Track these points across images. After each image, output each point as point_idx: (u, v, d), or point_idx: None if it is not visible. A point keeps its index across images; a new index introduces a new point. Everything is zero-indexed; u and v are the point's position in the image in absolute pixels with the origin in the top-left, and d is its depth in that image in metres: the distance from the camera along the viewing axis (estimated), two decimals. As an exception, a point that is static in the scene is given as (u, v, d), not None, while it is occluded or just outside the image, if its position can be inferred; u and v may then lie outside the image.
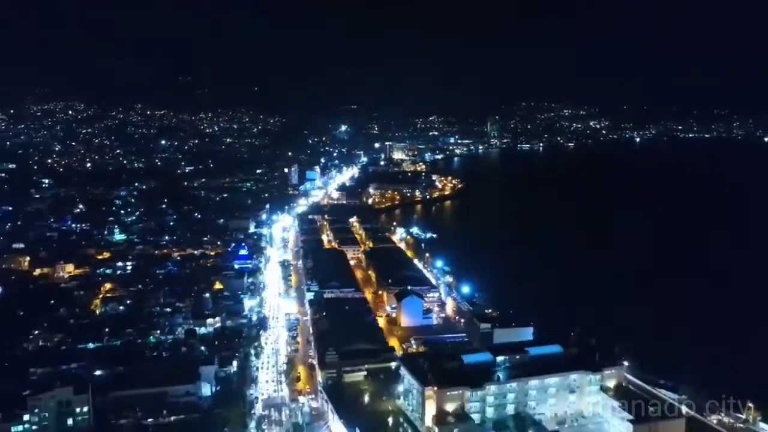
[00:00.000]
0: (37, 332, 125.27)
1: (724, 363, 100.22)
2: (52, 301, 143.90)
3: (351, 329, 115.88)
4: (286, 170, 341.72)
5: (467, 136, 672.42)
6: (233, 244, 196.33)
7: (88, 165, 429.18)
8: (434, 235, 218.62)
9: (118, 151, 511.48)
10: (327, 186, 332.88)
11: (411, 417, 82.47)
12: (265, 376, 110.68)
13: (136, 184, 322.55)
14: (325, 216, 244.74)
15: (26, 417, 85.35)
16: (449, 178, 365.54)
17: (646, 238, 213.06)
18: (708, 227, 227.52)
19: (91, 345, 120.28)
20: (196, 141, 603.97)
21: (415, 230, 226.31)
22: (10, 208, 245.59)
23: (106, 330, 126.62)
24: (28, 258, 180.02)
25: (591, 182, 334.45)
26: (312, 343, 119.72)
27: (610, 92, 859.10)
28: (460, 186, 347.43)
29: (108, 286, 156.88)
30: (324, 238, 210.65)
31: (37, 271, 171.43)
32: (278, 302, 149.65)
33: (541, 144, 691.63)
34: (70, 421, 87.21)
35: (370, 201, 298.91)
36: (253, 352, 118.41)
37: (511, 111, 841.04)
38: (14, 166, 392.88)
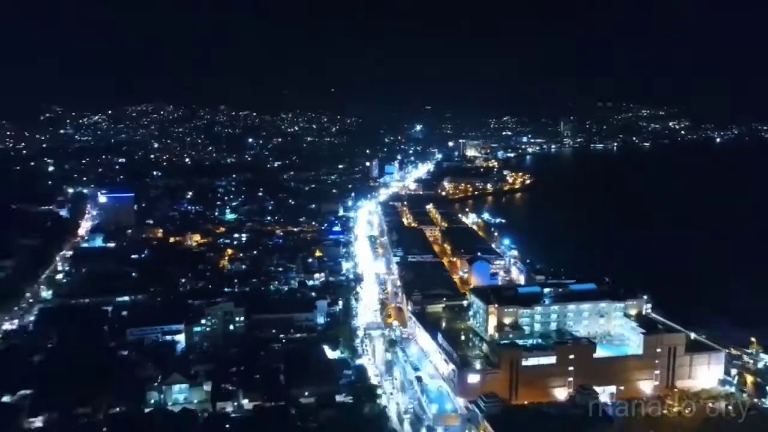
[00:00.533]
0: (184, 280, 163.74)
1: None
2: (188, 260, 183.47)
3: (430, 280, 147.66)
4: (367, 164, 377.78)
5: (540, 136, 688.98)
6: (326, 224, 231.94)
7: (187, 160, 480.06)
8: (503, 220, 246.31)
9: (210, 148, 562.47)
10: (404, 179, 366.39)
11: (478, 330, 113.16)
12: (364, 312, 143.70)
13: (233, 175, 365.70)
14: (404, 203, 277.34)
15: (203, 321, 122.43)
16: (520, 173, 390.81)
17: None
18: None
19: (226, 290, 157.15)
20: (279, 139, 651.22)
21: (485, 216, 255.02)
22: (133, 194, 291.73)
23: (235, 281, 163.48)
24: (161, 230, 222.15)
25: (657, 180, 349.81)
26: (398, 292, 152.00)
27: (692, 92, 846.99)
28: (530, 181, 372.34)
29: (230, 251, 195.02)
30: (404, 220, 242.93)
31: (171, 239, 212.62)
32: (369, 265, 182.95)
33: (615, 144, 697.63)
34: (231, 327, 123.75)
35: (444, 192, 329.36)
36: (352, 298, 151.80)
37: (587, 111, 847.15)
38: (123, 160, 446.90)
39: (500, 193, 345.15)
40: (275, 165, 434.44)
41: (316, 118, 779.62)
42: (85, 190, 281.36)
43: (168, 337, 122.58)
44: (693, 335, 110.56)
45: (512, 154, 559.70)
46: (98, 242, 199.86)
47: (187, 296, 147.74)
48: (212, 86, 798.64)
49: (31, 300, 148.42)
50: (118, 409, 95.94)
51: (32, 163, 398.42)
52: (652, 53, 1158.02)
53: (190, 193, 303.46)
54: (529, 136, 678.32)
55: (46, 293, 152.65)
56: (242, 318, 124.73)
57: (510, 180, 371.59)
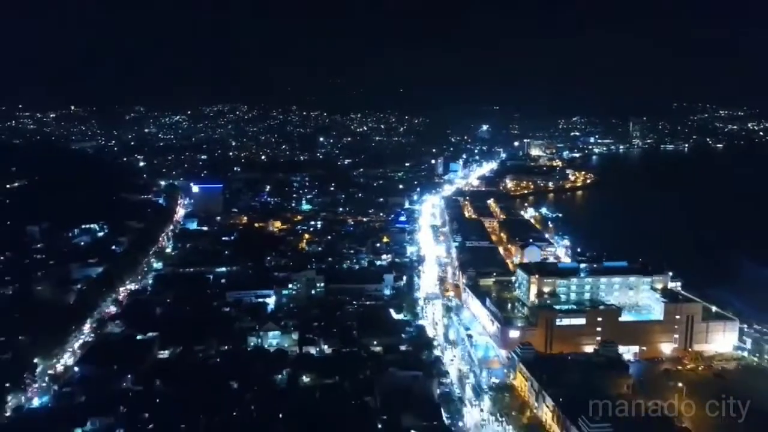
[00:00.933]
0: (269, 258, 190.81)
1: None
2: (271, 242, 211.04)
3: (485, 261, 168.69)
4: (432, 161, 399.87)
5: (609, 136, 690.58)
6: (392, 215, 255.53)
7: (263, 157, 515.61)
8: (560, 215, 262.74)
9: (283, 146, 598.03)
10: (468, 176, 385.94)
11: (521, 298, 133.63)
12: (425, 286, 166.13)
13: (307, 172, 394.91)
14: (466, 198, 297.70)
15: (290, 285, 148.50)
16: (582, 172, 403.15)
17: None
18: None
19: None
20: (349, 139, 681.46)
21: (543, 210, 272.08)
22: (221, 185, 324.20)
23: (313, 260, 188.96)
24: (245, 217, 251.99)
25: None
26: (456, 272, 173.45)
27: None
28: (591, 179, 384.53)
29: (307, 236, 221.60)
30: (465, 213, 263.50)
31: (256, 225, 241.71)
32: (431, 250, 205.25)
33: (686, 145, 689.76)
34: (313, 291, 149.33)
35: (505, 189, 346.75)
36: (415, 275, 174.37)
37: (661, 112, 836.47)
38: (205, 156, 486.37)
39: (561, 190, 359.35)
40: (345, 162, 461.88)
41: (384, 119, 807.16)
42: (176, 182, 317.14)
43: (260, 300, 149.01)
44: (714, 308, 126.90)
45: (578, 154, 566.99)
46: (193, 226, 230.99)
47: (273, 270, 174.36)
48: (284, 87, 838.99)
49: (146, 269, 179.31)
50: (226, 347, 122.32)
51: (124, 159, 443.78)
52: (732, 53, 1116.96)
53: (268, 187, 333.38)
54: (597, 136, 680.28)
55: (156, 264, 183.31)
56: (322, 284, 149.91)
57: (572, 178, 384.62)
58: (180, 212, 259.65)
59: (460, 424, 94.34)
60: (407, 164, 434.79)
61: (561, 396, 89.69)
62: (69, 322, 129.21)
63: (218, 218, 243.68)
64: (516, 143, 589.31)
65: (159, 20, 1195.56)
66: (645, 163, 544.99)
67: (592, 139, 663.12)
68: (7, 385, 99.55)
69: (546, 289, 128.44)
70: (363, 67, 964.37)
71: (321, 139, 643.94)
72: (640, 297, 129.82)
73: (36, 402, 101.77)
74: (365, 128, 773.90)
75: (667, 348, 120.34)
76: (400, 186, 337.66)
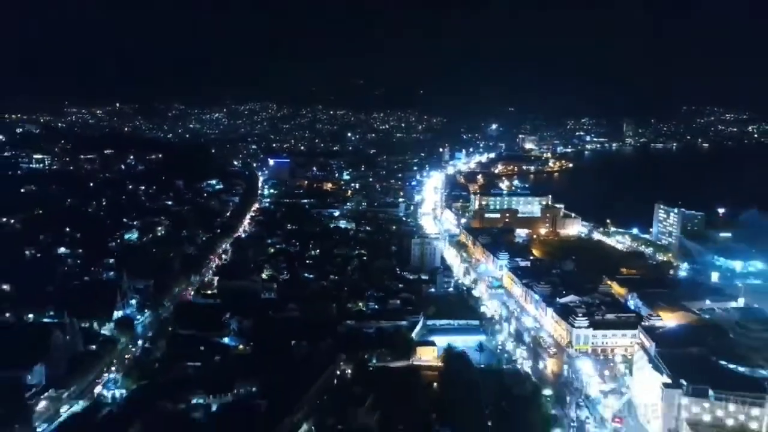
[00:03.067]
0: (329, 200, 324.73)
1: None
2: (327, 194, 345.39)
3: (459, 199, 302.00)
4: (441, 150, 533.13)
5: (607, 135, 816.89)
6: (407, 182, 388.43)
7: (302, 147, 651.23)
8: (526, 185, 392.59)
9: (316, 140, 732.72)
10: (468, 162, 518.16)
11: (472, 207, 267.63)
12: (424, 211, 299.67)
13: (340, 158, 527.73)
14: (462, 174, 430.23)
15: (347, 205, 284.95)
16: (562, 160, 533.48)
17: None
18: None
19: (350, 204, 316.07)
20: (373, 135, 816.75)
21: (516, 182, 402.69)
22: (289, 160, 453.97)
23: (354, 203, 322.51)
24: (306, 181, 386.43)
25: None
26: (443, 204, 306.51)
27: None
28: (567, 167, 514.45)
29: (350, 192, 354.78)
30: (458, 182, 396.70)
31: (314, 185, 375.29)
32: (430, 198, 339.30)
33: (675, 144, 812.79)
34: (359, 208, 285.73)
35: (496, 171, 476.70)
36: (418, 206, 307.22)
37: (672, 113, 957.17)
38: (255, 147, 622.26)
39: (541, 173, 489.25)
40: (371, 152, 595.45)
41: (404, 118, 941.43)
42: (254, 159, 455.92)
43: (332, 211, 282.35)
44: (572, 213, 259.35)
45: (570, 149, 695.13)
46: (272, 191, 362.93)
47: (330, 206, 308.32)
48: (308, 87, 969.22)
49: (258, 202, 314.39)
50: (318, 229, 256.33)
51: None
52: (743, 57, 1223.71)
53: (314, 168, 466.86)
54: (592, 135, 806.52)
55: (265, 199, 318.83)
56: (365, 204, 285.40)
57: (551, 165, 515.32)
58: (261, 177, 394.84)
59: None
60: (422, 154, 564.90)
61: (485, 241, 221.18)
62: (230, 226, 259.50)
63: (287, 182, 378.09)
64: (517, 140, 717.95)
65: (182, 21, 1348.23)
66: (624, 157, 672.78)
67: (588, 137, 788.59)
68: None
69: (483, 203, 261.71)
70: (384, 69, 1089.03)
71: (349, 134, 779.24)
72: (532, 207, 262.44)
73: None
74: (387, 126, 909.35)
75: (543, 231, 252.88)
76: (415, 168, 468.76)
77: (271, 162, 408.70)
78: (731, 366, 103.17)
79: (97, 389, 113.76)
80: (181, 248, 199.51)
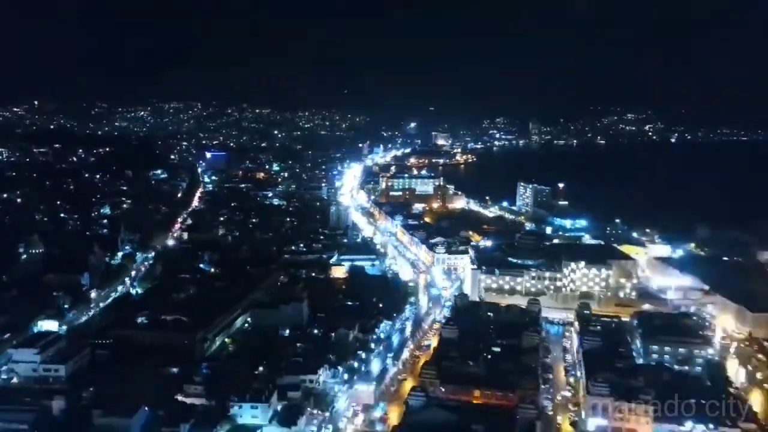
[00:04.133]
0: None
1: None
2: (259, 182, 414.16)
3: (372, 181, 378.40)
4: (360, 145, 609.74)
5: (514, 133, 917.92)
6: (329, 172, 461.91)
7: (231, 144, 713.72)
8: (432, 173, 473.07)
9: (244, 138, 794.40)
10: (385, 156, 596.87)
11: (379, 186, 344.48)
12: (345, 191, 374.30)
13: (269, 153, 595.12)
14: (377, 165, 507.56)
15: (279, 188, 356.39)
16: (467, 155, 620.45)
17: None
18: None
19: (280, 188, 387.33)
20: (298, 133, 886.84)
21: (423, 172, 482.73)
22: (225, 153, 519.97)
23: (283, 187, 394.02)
24: (240, 171, 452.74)
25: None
26: (359, 187, 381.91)
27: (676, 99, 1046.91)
28: (472, 160, 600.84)
29: (280, 179, 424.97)
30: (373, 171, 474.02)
31: (249, 174, 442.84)
32: (349, 183, 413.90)
33: (575, 141, 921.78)
34: (289, 190, 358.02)
35: (408, 163, 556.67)
36: (338, 189, 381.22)
37: (580, 113, 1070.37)
38: (186, 143, 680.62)
39: (448, 165, 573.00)
40: (297, 147, 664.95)
41: (329, 116, 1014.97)
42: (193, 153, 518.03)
43: (269, 192, 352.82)
44: (458, 191, 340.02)
45: (480, 146, 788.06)
46: (213, 178, 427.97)
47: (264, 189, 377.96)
48: (231, 87, 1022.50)
49: (202, 186, 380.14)
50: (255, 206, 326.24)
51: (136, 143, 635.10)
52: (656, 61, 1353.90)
53: (247, 161, 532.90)
54: (502, 133, 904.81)
55: (208, 185, 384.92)
56: (294, 187, 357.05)
57: (458, 158, 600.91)
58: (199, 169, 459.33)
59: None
60: (343, 150, 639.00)
61: (387, 210, 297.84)
62: (180, 206, 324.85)
63: (224, 172, 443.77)
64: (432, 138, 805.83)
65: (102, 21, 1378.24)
66: (527, 152, 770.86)
67: (498, 135, 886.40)
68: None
69: (389, 183, 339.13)
70: (310, 69, 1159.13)
71: (275, 132, 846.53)
72: (427, 187, 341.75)
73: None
74: (311, 124, 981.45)
75: (435, 205, 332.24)
76: (337, 161, 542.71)
77: (209, 155, 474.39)
78: (511, 259, 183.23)
79: (121, 287, 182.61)
80: (150, 216, 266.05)
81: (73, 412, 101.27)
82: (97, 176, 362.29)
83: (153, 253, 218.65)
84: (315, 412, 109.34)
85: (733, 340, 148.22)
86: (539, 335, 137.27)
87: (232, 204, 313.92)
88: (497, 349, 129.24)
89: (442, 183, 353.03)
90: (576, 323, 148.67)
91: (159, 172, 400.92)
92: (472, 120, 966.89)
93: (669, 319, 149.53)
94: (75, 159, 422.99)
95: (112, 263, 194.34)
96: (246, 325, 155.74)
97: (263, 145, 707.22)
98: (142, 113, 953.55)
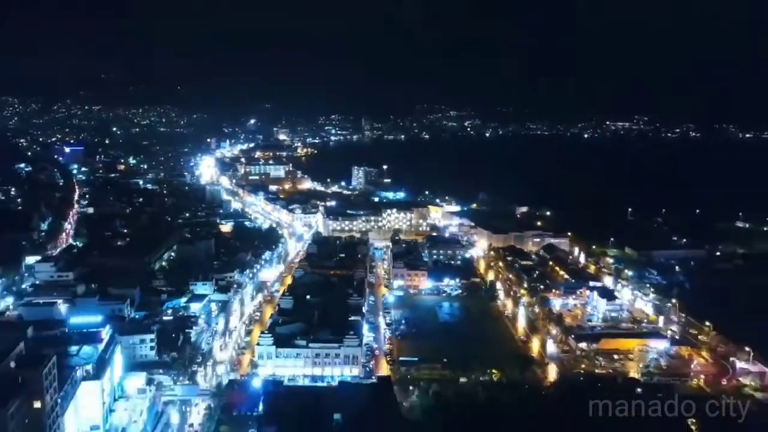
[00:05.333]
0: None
1: None
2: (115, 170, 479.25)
3: (230, 171, 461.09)
4: (208, 140, 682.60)
5: (348, 128, 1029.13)
6: (186, 164, 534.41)
7: (70, 140, 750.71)
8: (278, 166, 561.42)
9: (82, 134, 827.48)
10: (232, 150, 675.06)
11: (238, 174, 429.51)
12: (204, 175, 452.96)
13: (117, 150, 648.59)
14: (228, 158, 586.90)
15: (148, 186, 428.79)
16: (308, 148, 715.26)
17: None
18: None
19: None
20: (137, 129, 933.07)
21: (270, 163, 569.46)
22: (83, 147, 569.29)
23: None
24: (100, 164, 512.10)
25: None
26: (217, 172, 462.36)
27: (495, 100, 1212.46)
28: (312, 152, 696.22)
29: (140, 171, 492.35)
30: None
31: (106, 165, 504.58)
32: (207, 171, 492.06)
33: (403, 136, 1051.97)
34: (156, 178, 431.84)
35: (255, 155, 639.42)
36: (198, 175, 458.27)
37: (408, 111, 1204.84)
38: (23, 140, 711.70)
39: (291, 157, 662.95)
40: (143, 143, 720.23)
41: (165, 113, 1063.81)
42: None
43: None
44: (306, 176, 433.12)
45: (318, 140, 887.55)
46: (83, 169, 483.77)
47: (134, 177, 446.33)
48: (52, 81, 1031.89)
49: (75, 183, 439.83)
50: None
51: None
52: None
53: (102, 155, 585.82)
54: (338, 128, 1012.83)
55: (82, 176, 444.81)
56: (162, 176, 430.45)
57: (299, 151, 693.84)
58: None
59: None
60: (189, 145, 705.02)
61: (249, 189, 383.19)
62: (69, 190, 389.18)
63: (83, 165, 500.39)
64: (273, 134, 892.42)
65: None
66: (360, 145, 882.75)
67: (333, 130, 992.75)
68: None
69: (248, 170, 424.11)
70: (139, 65, 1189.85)
71: (114, 129, 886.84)
72: (279, 172, 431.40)
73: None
74: (148, 121, 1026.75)
75: (287, 186, 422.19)
76: (188, 155, 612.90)
77: (67, 149, 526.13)
78: (349, 211, 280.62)
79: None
80: (50, 197, 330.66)
81: (90, 290, 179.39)
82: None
83: (72, 221, 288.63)
84: (237, 288, 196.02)
85: (484, 249, 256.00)
86: (366, 246, 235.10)
87: (112, 189, 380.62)
88: (342, 255, 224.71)
89: (291, 168, 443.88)
90: (390, 243, 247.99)
91: (23, 165, 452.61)
92: (308, 116, 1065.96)
93: (445, 240, 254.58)
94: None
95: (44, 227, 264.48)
96: (171, 257, 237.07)
97: (106, 141, 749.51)
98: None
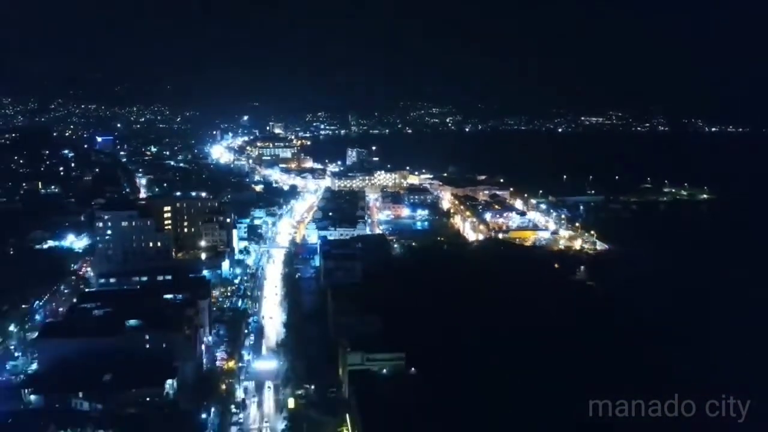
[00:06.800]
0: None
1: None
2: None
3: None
4: (214, 132, 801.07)
5: (336, 124, 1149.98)
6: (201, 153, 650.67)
7: (84, 135, 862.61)
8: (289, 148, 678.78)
9: (89, 130, 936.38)
10: (233, 142, 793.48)
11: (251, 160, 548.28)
12: (215, 155, 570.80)
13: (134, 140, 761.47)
14: (235, 148, 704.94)
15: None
16: (303, 140, 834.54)
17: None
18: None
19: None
20: (138, 126, 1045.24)
21: (279, 145, 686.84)
22: (112, 137, 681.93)
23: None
24: (122, 151, 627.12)
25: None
26: (227, 151, 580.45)
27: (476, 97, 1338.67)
28: (306, 144, 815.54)
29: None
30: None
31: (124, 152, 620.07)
32: (224, 158, 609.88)
33: (387, 130, 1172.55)
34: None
35: (258, 145, 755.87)
36: (210, 157, 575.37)
37: (391, 107, 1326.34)
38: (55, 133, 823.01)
39: (288, 146, 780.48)
40: (151, 136, 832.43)
41: (159, 111, 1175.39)
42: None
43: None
44: (309, 158, 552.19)
45: (309, 134, 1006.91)
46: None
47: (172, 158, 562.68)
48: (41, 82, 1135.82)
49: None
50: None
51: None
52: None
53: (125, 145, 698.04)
54: (326, 124, 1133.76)
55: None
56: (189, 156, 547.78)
57: (295, 143, 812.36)
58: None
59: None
60: (193, 141, 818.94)
61: (265, 165, 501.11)
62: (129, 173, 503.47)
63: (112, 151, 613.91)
64: (267, 127, 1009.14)
65: None
66: (348, 139, 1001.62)
67: (322, 126, 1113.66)
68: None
69: (261, 152, 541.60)
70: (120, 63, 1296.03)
71: (118, 125, 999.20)
72: (286, 153, 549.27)
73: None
74: (144, 119, 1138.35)
75: (293, 165, 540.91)
76: (198, 144, 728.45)
77: (99, 139, 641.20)
78: (349, 173, 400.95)
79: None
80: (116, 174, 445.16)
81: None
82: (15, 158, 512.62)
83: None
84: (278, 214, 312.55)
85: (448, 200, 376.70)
86: (363, 195, 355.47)
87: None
88: (348, 197, 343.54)
89: (297, 150, 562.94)
90: (380, 195, 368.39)
91: (67, 151, 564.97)
92: (296, 113, 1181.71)
93: (419, 189, 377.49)
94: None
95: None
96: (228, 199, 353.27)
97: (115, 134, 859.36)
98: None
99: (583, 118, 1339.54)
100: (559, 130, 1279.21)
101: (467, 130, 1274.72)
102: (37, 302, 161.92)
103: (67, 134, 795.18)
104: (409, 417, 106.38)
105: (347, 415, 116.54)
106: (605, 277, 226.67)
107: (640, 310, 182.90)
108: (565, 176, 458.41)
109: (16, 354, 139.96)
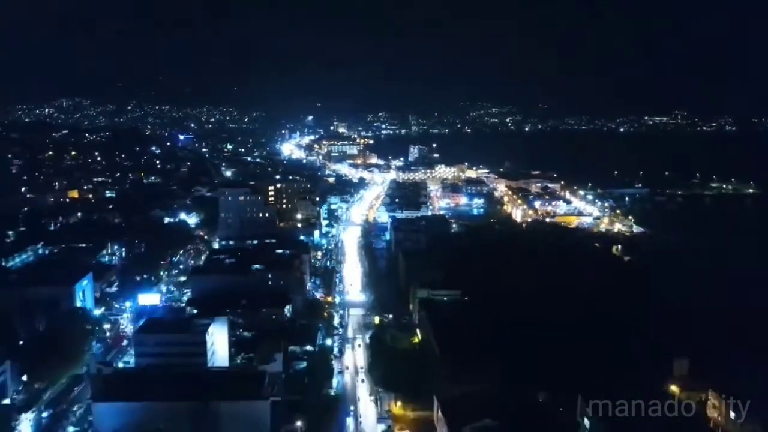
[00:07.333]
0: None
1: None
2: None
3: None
4: (283, 131, 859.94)
5: (397, 123, 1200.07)
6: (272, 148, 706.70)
7: (165, 133, 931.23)
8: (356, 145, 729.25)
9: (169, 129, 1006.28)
10: (301, 140, 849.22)
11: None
12: (286, 151, 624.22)
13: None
14: (304, 146, 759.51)
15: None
16: (365, 139, 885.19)
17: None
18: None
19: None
20: (209, 126, 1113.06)
21: (346, 143, 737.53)
22: (192, 135, 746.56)
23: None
24: (204, 149, 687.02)
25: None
26: (300, 146, 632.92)
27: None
28: (369, 143, 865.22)
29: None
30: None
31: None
32: (296, 154, 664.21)
33: (447, 130, 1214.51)
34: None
35: (324, 143, 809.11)
36: (281, 150, 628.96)
37: (451, 107, 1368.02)
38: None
39: (352, 144, 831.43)
40: (223, 135, 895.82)
41: (227, 112, 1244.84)
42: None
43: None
44: (374, 154, 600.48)
45: (370, 134, 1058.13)
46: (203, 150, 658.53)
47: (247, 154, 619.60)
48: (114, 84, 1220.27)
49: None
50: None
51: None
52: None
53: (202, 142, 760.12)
54: (387, 123, 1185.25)
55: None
56: (230, 147, 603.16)
57: (358, 142, 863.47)
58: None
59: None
60: (263, 140, 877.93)
61: (335, 160, 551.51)
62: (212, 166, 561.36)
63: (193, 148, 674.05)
64: (332, 127, 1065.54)
65: None
66: (408, 138, 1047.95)
67: (383, 126, 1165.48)
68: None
69: (329, 149, 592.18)
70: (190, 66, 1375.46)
71: (192, 125, 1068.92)
72: (353, 149, 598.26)
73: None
74: (214, 119, 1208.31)
75: (359, 161, 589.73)
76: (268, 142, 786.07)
77: (181, 137, 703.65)
78: (412, 167, 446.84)
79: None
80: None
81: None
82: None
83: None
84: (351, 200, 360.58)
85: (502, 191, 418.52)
86: (426, 189, 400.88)
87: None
88: (411, 188, 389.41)
89: (362, 147, 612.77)
90: (440, 186, 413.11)
91: (154, 148, 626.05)
92: (357, 114, 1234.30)
93: (476, 181, 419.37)
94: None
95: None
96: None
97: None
98: (39, 110, 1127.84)
99: (646, 118, 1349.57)
100: (621, 129, 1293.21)
101: (527, 129, 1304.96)
102: (174, 259, 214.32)
103: (147, 133, 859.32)
104: (461, 330, 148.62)
105: (417, 330, 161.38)
106: (640, 254, 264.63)
107: (671, 282, 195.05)
108: (616, 172, 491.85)
109: (171, 288, 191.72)
